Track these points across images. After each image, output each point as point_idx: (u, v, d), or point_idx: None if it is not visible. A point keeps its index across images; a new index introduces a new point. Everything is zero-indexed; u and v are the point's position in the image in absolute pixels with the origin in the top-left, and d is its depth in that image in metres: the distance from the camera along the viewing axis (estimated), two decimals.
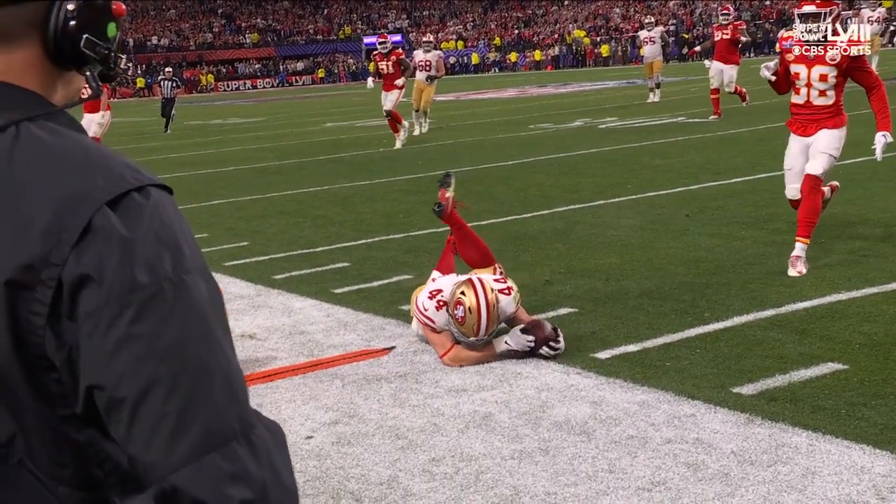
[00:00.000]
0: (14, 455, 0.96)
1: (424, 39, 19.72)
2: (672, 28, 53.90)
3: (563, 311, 5.60)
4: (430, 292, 5.00)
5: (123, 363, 0.90)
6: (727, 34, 17.03)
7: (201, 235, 8.74)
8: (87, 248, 0.91)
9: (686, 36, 53.77)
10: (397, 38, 55.63)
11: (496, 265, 5.44)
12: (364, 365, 4.96)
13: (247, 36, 72.51)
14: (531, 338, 4.78)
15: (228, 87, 64.76)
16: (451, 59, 59.47)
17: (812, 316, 5.17)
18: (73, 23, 1.01)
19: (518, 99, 29.94)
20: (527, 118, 20.99)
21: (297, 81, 66.70)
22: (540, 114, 22.08)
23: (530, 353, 4.81)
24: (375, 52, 17.36)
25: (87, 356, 0.91)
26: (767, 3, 55.96)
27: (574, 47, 60.83)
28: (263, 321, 5.93)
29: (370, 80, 18.34)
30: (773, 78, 6.50)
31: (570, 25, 65.16)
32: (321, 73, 67.06)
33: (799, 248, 6.11)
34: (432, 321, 4.91)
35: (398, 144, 16.27)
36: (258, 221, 9.63)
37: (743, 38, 17.64)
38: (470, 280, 4.88)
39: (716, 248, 6.92)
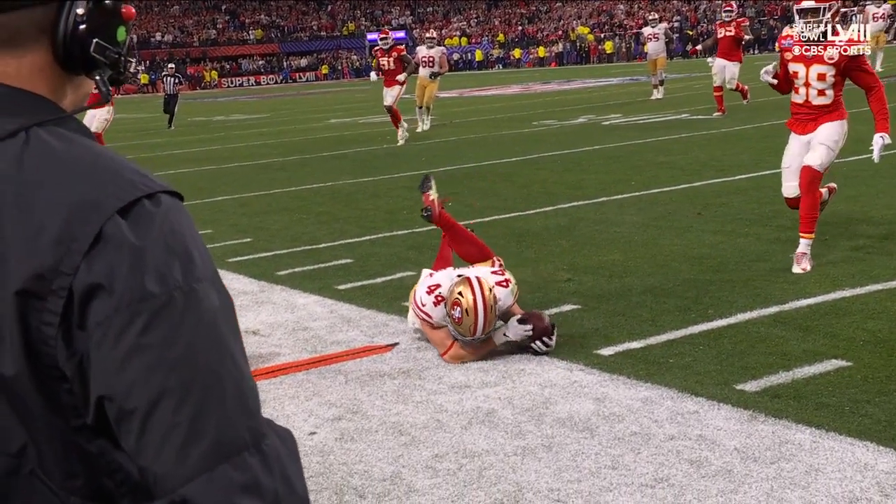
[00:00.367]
0: (26, 465, 0.95)
1: (428, 35, 19.61)
2: (676, 25, 53.84)
3: (566, 307, 5.60)
4: (429, 287, 4.99)
5: (133, 373, 0.89)
6: (731, 31, 17.00)
7: (205, 232, 8.75)
8: (97, 257, 0.90)
9: (690, 33, 53.62)
10: (400, 34, 55.59)
11: (494, 258, 5.43)
12: (367, 361, 4.97)
13: (250, 32, 72.54)
14: (529, 327, 4.78)
15: (232, 83, 64.78)
16: (455, 56, 59.38)
17: (816, 313, 5.17)
18: (82, 27, 1.00)
19: (521, 95, 29.89)
20: (530, 115, 20.96)
21: (300, 78, 66.75)
22: (543, 110, 22.05)
23: (524, 346, 4.82)
24: (377, 48, 17.31)
25: (98, 366, 0.90)
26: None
27: (578, 44, 60.72)
28: (267, 317, 5.94)
29: (373, 73, 18.31)
30: (774, 81, 6.49)
31: (574, 22, 65.07)
32: (325, 70, 67.10)
33: (804, 245, 6.10)
34: (430, 317, 4.91)
35: (400, 141, 16.28)
36: (261, 218, 9.63)
37: (746, 36, 17.62)
38: (468, 279, 4.85)
39: (720, 244, 6.92)
